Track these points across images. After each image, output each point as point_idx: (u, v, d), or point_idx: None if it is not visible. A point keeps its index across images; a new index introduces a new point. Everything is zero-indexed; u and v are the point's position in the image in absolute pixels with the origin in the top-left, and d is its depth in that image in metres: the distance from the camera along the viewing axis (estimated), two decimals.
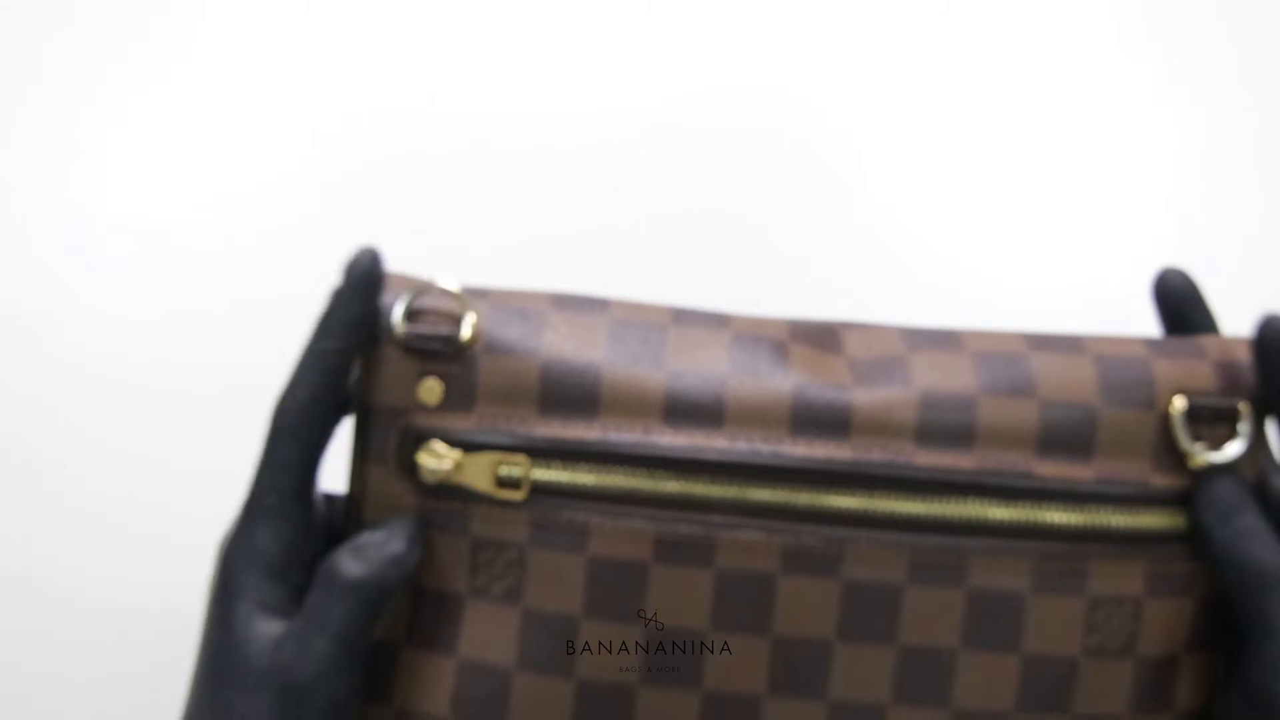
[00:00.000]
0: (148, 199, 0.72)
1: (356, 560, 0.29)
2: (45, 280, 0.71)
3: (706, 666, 0.29)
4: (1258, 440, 0.30)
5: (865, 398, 0.29)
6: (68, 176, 0.72)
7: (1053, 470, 0.29)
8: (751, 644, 0.29)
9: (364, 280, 0.30)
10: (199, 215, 0.72)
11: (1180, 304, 0.33)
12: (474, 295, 0.31)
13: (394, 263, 0.72)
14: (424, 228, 0.72)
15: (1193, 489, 0.29)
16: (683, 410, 0.29)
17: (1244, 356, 0.30)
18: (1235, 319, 0.71)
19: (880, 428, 0.29)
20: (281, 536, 0.30)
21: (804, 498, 0.29)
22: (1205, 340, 0.31)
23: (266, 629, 0.29)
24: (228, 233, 0.72)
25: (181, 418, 0.70)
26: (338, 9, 0.74)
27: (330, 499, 0.34)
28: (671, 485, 0.29)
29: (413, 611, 0.30)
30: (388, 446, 0.30)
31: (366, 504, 0.30)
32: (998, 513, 0.29)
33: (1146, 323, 0.71)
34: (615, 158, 0.73)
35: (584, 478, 0.29)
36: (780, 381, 0.29)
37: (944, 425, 0.29)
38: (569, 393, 0.29)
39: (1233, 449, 0.29)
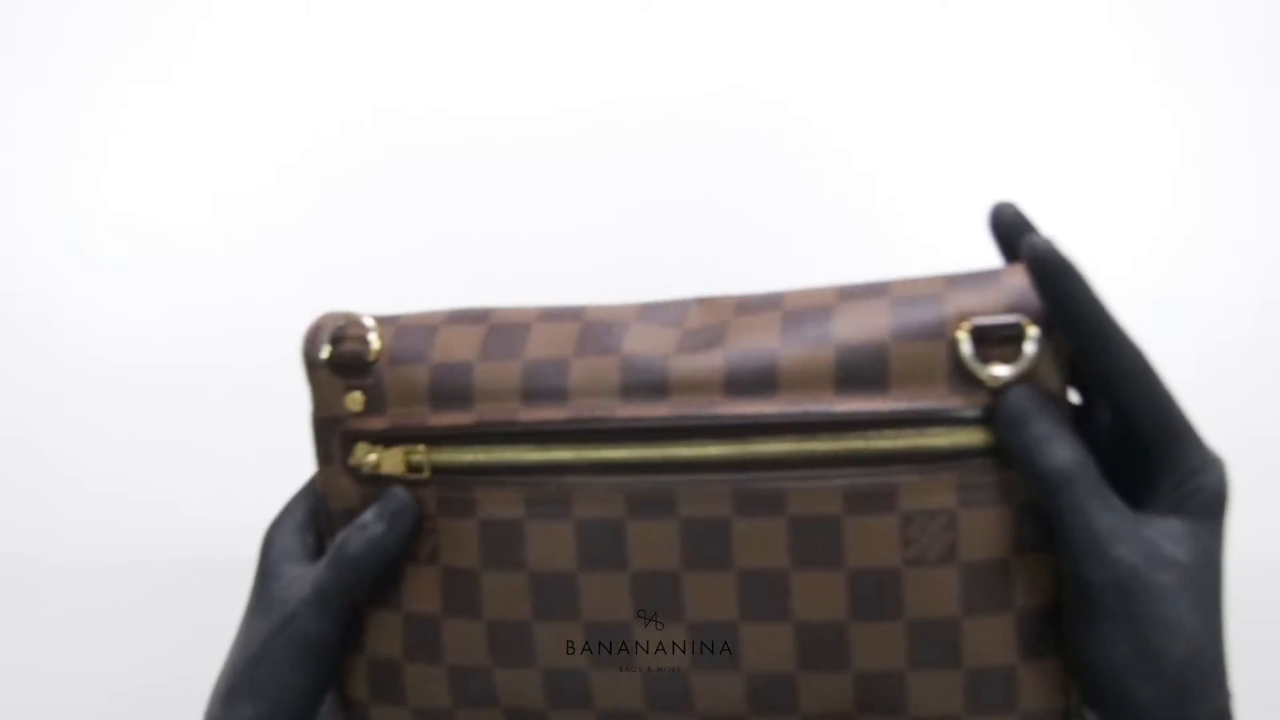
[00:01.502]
0: (148, 199, 0.72)
1: (351, 535, 0.36)
2: (45, 280, 0.71)
3: (581, 602, 0.34)
4: (1054, 353, 0.32)
5: (679, 363, 0.34)
6: (68, 176, 0.72)
7: (851, 405, 0.32)
8: (614, 579, 0.33)
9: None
10: (199, 215, 0.72)
11: (1009, 233, 0.35)
12: (383, 321, 0.37)
13: (392, 262, 0.72)
14: (423, 227, 0.72)
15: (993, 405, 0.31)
16: (536, 391, 0.35)
17: (1019, 281, 0.32)
18: (1234, 318, 0.71)
19: (692, 386, 0.33)
20: (312, 505, 0.39)
21: (637, 451, 0.33)
22: (1006, 269, 0.33)
23: (289, 570, 0.37)
24: (228, 233, 0.72)
25: (181, 417, 0.70)
26: (337, 10, 0.74)
27: None
28: (533, 454, 0.34)
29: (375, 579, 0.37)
30: (334, 449, 0.37)
31: (329, 497, 0.37)
32: (802, 446, 0.32)
33: (1148, 321, 0.71)
34: (612, 155, 0.73)
35: (468, 456, 0.35)
36: (611, 358, 0.34)
37: (747, 378, 0.33)
38: (451, 389, 0.35)
39: (1022, 363, 0.31)
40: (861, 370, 0.32)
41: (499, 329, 0.36)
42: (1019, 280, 0.32)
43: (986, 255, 0.72)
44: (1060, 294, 0.31)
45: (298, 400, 0.70)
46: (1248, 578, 0.69)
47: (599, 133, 0.73)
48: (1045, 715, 0.32)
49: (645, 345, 0.34)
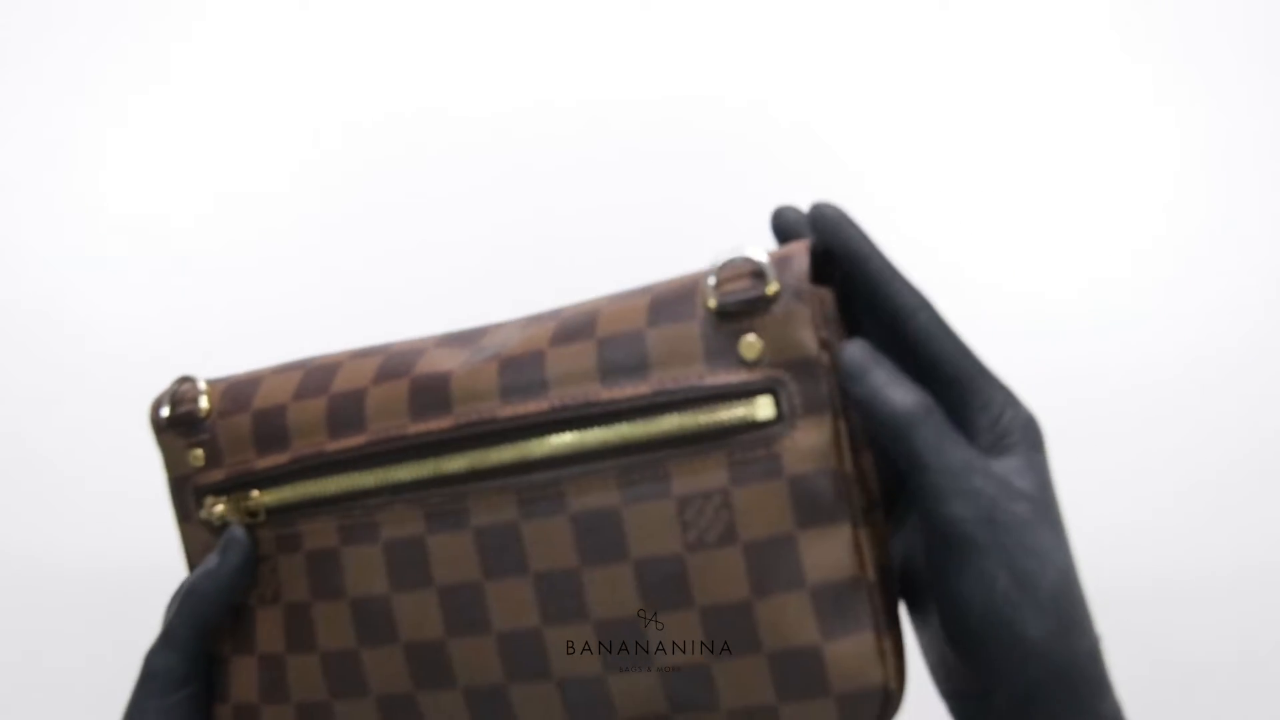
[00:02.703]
0: (148, 199, 0.72)
1: (192, 574, 0.38)
2: (45, 280, 0.71)
3: (397, 624, 0.35)
4: (809, 316, 0.32)
5: (460, 375, 0.34)
6: (68, 176, 0.72)
7: (614, 393, 0.32)
8: (424, 597, 0.34)
9: None
10: (199, 215, 0.72)
11: (790, 231, 0.36)
12: (215, 382, 0.40)
13: (392, 262, 0.72)
14: (423, 227, 0.72)
15: (769, 380, 0.31)
16: (339, 423, 0.36)
17: (792, 251, 0.32)
18: (1234, 318, 0.71)
19: (471, 396, 0.34)
20: None
21: (428, 467, 0.34)
22: (757, 252, 0.34)
23: None
24: (228, 233, 0.72)
25: None
26: (336, 12, 0.74)
27: None
28: (340, 483, 0.36)
29: (234, 626, 0.39)
30: (189, 506, 0.39)
31: (190, 553, 0.40)
32: (576, 439, 0.33)
33: (1146, 322, 0.71)
34: (612, 156, 0.73)
35: (289, 493, 0.37)
36: (402, 381, 0.35)
37: (521, 382, 0.34)
38: (269, 432, 0.37)
39: (771, 326, 0.31)
40: (621, 361, 0.33)
41: (313, 371, 0.38)
42: (772, 256, 0.33)
43: (984, 256, 0.72)
44: (844, 240, 0.33)
45: None
46: (1252, 583, 0.69)
47: (599, 134, 0.73)
48: (861, 696, 0.31)
49: (432, 366, 0.36)
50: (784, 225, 0.36)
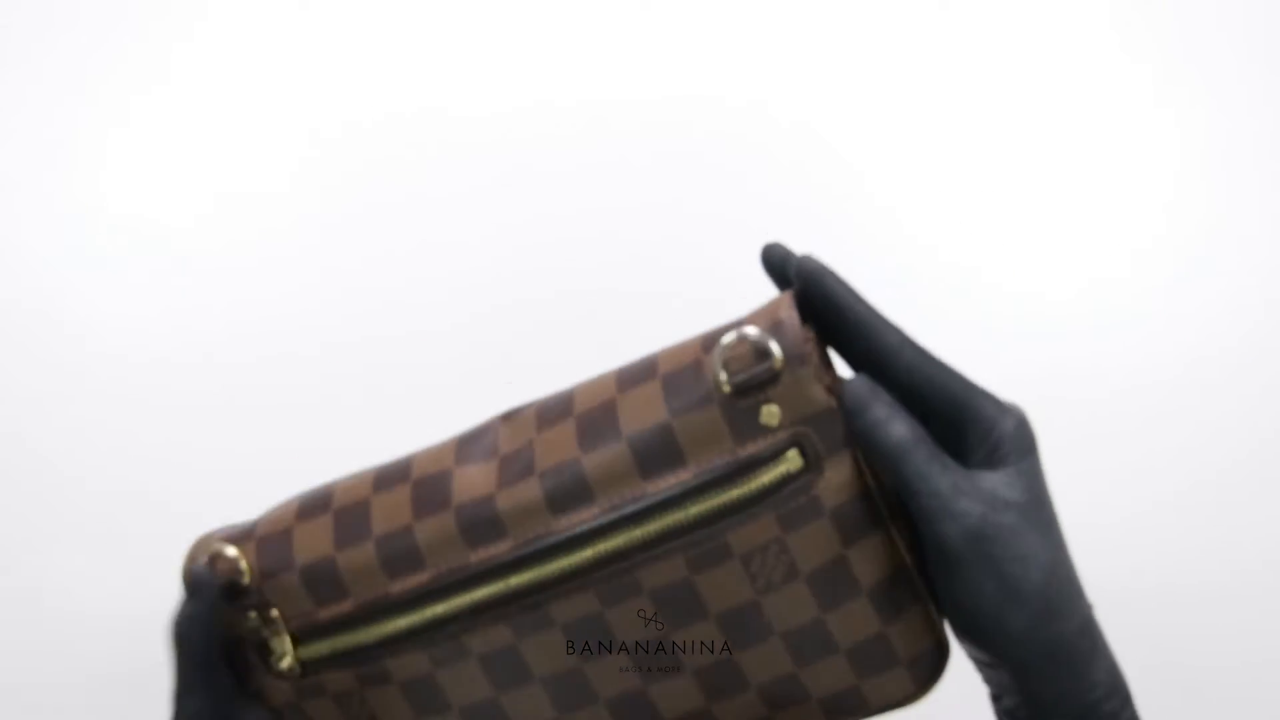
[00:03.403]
0: (148, 199, 0.72)
1: (173, 629, 0.39)
2: (45, 280, 0.71)
3: (511, 716, 0.38)
4: (813, 375, 0.35)
5: (504, 499, 0.37)
6: (68, 176, 0.72)
7: (659, 485, 0.36)
8: (530, 690, 0.38)
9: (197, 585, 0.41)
10: (199, 215, 0.72)
11: (782, 268, 0.39)
12: (243, 539, 0.41)
13: (391, 262, 0.72)
14: (422, 227, 0.72)
15: (793, 437, 0.35)
16: (395, 564, 0.38)
17: (781, 314, 0.36)
18: (1234, 318, 0.71)
19: (521, 517, 0.37)
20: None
21: (498, 586, 0.37)
22: (749, 316, 0.37)
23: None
24: (228, 233, 0.72)
25: (181, 417, 0.70)
26: (336, 12, 0.74)
27: None
28: (414, 618, 0.38)
29: None
30: (252, 660, 0.41)
31: (269, 696, 0.41)
32: (634, 534, 0.36)
33: (1146, 322, 0.71)
34: (612, 158, 0.73)
35: (362, 636, 0.39)
36: (446, 514, 0.38)
37: (565, 495, 0.36)
38: (323, 584, 0.39)
39: (784, 395, 0.35)
40: (656, 453, 0.36)
41: (342, 514, 0.40)
42: (761, 324, 0.36)
43: (984, 256, 0.72)
44: (827, 292, 0.36)
45: (297, 399, 0.70)
46: (1252, 582, 0.69)
47: (600, 134, 0.73)
48: (923, 655, 0.36)
49: (470, 490, 0.38)
50: (773, 260, 0.39)
